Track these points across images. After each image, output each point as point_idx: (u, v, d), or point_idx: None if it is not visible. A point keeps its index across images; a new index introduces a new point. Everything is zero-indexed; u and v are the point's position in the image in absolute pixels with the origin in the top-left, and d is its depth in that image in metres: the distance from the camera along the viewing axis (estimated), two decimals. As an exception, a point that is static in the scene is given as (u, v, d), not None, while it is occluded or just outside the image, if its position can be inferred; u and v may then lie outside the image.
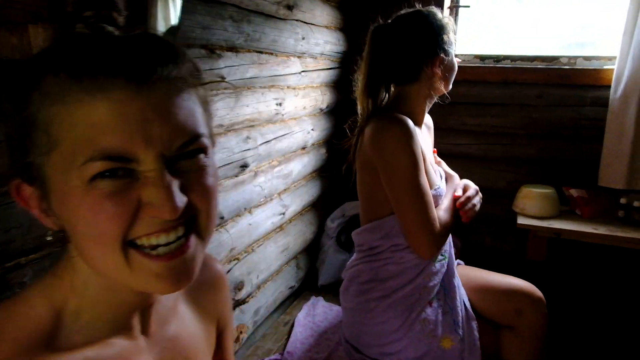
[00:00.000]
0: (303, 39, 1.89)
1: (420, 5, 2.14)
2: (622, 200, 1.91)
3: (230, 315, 0.74)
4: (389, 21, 1.41)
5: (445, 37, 1.39)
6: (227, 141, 1.51)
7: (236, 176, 1.60)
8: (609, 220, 1.91)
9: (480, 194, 1.48)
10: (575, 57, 2.17)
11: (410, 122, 1.29)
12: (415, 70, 1.37)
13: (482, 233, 2.40)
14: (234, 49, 1.47)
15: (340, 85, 2.39)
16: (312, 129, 2.12)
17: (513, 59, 2.27)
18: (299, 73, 1.92)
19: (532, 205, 1.96)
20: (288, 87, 1.88)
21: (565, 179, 2.18)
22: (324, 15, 2.09)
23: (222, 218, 1.52)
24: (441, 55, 1.38)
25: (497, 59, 2.29)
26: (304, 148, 2.10)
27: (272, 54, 1.71)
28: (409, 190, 1.27)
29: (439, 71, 1.39)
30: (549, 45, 2.30)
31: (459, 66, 2.28)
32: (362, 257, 1.47)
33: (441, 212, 1.36)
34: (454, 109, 2.30)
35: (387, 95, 1.45)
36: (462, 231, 2.36)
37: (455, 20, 2.33)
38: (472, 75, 2.25)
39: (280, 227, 1.95)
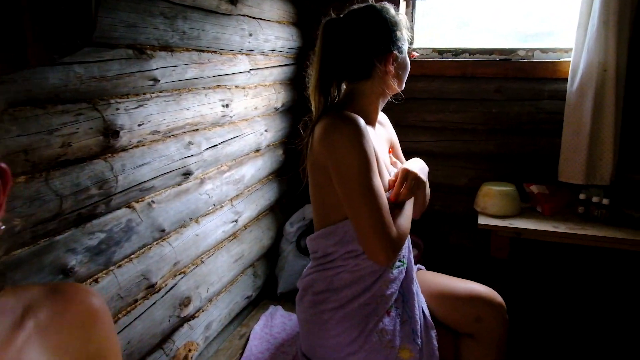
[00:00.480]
0: (250, 35, 1.78)
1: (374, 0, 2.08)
2: (581, 196, 1.89)
3: (112, 352, 0.66)
4: (341, 15, 1.32)
5: (398, 33, 1.31)
6: (166, 148, 1.39)
7: (179, 185, 1.49)
8: (569, 217, 1.88)
9: (418, 180, 1.35)
10: (533, 50, 2.14)
11: (361, 121, 1.21)
12: (367, 67, 1.30)
13: (445, 232, 2.36)
14: (168, 48, 1.35)
15: (297, 83, 2.29)
16: (266, 130, 2.02)
17: (471, 52, 2.22)
18: (248, 72, 1.82)
19: (492, 204, 1.91)
20: (236, 86, 1.77)
21: (526, 174, 2.15)
22: (274, 9, 1.98)
23: (162, 231, 1.40)
24: (394, 52, 1.30)
25: (456, 52, 2.24)
26: (257, 150, 1.99)
27: (215, 52, 1.60)
28: (362, 193, 1.19)
29: (392, 69, 1.31)
30: (509, 38, 2.26)
31: (417, 60, 2.25)
32: (316, 265, 1.39)
33: (398, 216, 1.29)
34: (414, 105, 2.24)
35: (338, 93, 1.36)
36: (424, 231, 2.31)
37: (412, 13, 2.27)
38: (430, 69, 2.19)
39: (234, 235, 1.85)
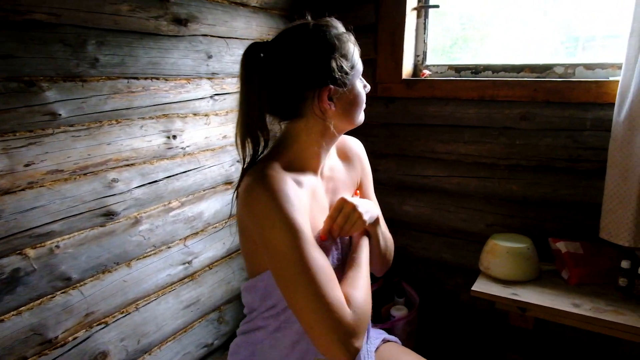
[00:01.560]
0: (210, 57, 1.59)
1: (374, 11, 1.77)
2: (624, 264, 1.41)
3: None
4: (271, 39, 1.05)
5: (338, 61, 0.97)
6: (75, 188, 1.25)
7: (101, 226, 1.34)
8: (603, 291, 1.42)
9: (357, 213, 1.03)
10: (575, 65, 1.67)
11: (282, 179, 0.93)
12: (295, 104, 1.00)
13: (454, 286, 1.96)
14: (75, 78, 1.21)
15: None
16: (239, 160, 1.81)
17: (495, 69, 1.80)
18: (210, 97, 1.63)
19: (497, 264, 1.51)
20: (194, 114, 1.59)
21: (557, 226, 1.68)
22: (253, 27, 1.78)
23: (68, 279, 1.26)
24: (331, 86, 0.97)
25: (476, 69, 1.84)
26: (228, 183, 1.79)
27: (156, 78, 1.43)
28: (296, 273, 0.89)
29: (331, 106, 0.99)
30: (543, 51, 1.80)
31: (426, 80, 1.88)
32: (242, 325, 1.15)
33: (350, 286, 0.98)
34: (422, 132, 1.89)
35: (265, 137, 1.07)
36: (425, 283, 1.94)
37: (425, 23, 1.91)
38: (442, 90, 1.82)
39: (190, 278, 1.66)
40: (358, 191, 1.23)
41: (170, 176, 1.53)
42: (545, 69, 1.71)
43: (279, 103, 1.01)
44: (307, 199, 0.99)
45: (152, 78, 1.42)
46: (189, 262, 1.64)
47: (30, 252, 1.18)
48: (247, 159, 1.03)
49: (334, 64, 0.95)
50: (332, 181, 1.14)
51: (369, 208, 1.08)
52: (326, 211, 1.08)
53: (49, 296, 1.23)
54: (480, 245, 1.78)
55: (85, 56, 1.21)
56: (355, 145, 1.25)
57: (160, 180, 1.50)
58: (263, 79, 0.98)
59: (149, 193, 1.47)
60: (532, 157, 1.70)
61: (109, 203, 1.34)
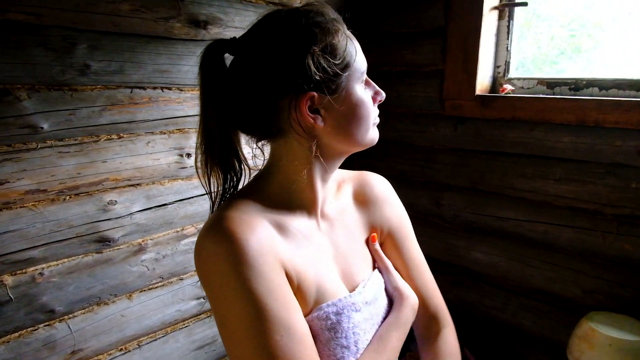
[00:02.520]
0: (237, 65, 1.38)
1: (443, 12, 1.48)
2: None
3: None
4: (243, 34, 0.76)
5: (317, 58, 0.67)
6: (61, 210, 1.12)
7: (97, 253, 1.19)
8: None
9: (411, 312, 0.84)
10: None
11: (248, 225, 0.66)
12: (266, 119, 0.72)
13: (534, 364, 1.51)
14: (62, 86, 1.07)
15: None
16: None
17: (604, 85, 1.34)
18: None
19: (592, 358, 1.07)
20: (218, 130, 1.40)
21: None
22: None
23: (51, 312, 1.13)
24: (312, 93, 0.69)
25: (577, 85, 1.39)
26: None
27: (169, 88, 1.26)
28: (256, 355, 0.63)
29: (317, 120, 0.70)
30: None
31: (508, 97, 1.46)
32: None
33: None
34: (498, 162, 1.50)
35: (238, 163, 0.82)
36: (484, 349, 1.52)
37: (509, 26, 1.51)
38: (527, 111, 1.41)
39: (207, 314, 1.47)
40: (374, 235, 0.90)
41: (183, 199, 1.35)
42: (683, 84, 1.22)
43: (247, 117, 0.73)
44: (291, 248, 0.71)
45: (162, 88, 1.25)
46: (204, 298, 1.44)
47: (8, 280, 1.06)
48: (216, 194, 0.78)
49: (310, 62, 0.66)
50: (341, 226, 0.84)
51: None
52: (328, 261, 0.79)
53: (29, 329, 1.11)
54: (573, 316, 1.34)
55: (73, 62, 1.07)
56: (378, 186, 0.92)
57: (170, 203, 1.32)
58: (227, 86, 0.72)
59: (155, 218, 1.29)
60: (654, 207, 1.22)
61: (102, 228, 1.19)
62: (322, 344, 0.70)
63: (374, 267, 0.88)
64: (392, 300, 0.84)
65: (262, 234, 0.66)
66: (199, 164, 0.75)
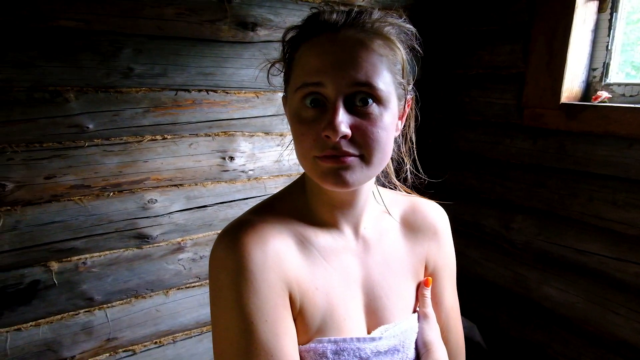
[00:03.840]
0: (286, 67, 1.34)
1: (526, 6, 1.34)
2: None
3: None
4: None
5: (287, 48, 0.64)
6: (103, 205, 1.18)
7: (138, 248, 1.24)
8: None
9: None
10: None
11: (263, 237, 0.62)
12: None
13: None
14: (109, 89, 1.12)
15: (419, 129, 1.64)
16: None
17: None
18: (279, 115, 1.38)
19: None
20: (266, 133, 1.37)
21: None
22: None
23: (90, 299, 1.20)
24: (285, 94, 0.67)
25: (698, 94, 1.10)
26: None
27: (215, 91, 1.26)
28: None
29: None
30: None
31: (597, 106, 1.17)
32: None
33: None
34: (584, 184, 1.28)
35: None
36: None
37: (611, 21, 1.25)
38: (625, 125, 1.15)
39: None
40: (427, 280, 0.78)
41: (223, 202, 1.35)
42: None
43: None
44: (304, 266, 0.64)
45: (206, 90, 1.25)
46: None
47: (55, 266, 1.15)
48: None
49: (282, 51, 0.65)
50: (380, 251, 0.72)
51: None
52: (352, 287, 0.69)
53: (70, 313, 1.19)
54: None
55: (117, 65, 1.11)
56: (433, 215, 0.79)
57: (210, 205, 1.33)
58: None
59: (194, 219, 1.31)
60: None
61: (141, 225, 1.23)
62: None
63: (413, 311, 0.75)
64: (419, 355, 0.71)
65: (272, 248, 0.61)
66: None
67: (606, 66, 1.28)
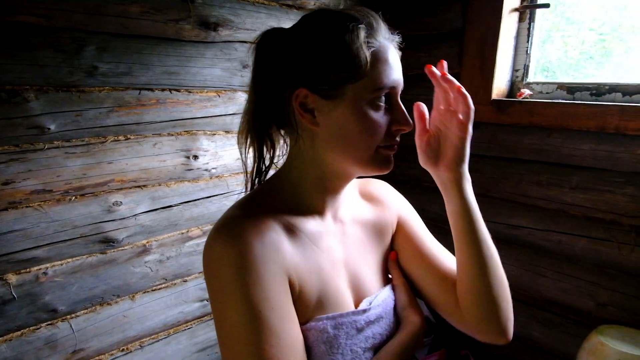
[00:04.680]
0: (246, 67, 1.37)
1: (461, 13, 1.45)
2: None
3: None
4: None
5: (317, 55, 0.67)
6: (65, 211, 1.12)
7: (102, 253, 1.19)
8: None
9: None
10: None
11: (257, 229, 0.65)
12: (276, 107, 0.72)
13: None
14: (70, 88, 1.07)
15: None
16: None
17: (628, 91, 1.29)
18: (238, 114, 1.40)
19: (602, 375, 1.03)
20: (227, 132, 1.39)
21: None
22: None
23: (54, 311, 1.13)
24: (303, 89, 0.68)
25: (598, 91, 1.34)
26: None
27: (177, 90, 1.25)
28: None
29: (308, 119, 0.69)
30: None
31: (525, 102, 1.41)
32: None
33: None
34: (513, 169, 1.46)
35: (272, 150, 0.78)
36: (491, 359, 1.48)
37: (530, 28, 1.46)
38: (546, 117, 1.36)
39: (211, 316, 1.46)
40: (395, 252, 0.88)
41: (188, 201, 1.34)
42: None
43: (265, 103, 0.73)
44: (297, 253, 0.70)
45: (170, 89, 1.24)
46: (207, 300, 1.44)
47: (12, 278, 1.07)
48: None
49: (308, 60, 0.67)
50: (354, 231, 0.81)
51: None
52: (338, 267, 0.76)
53: (31, 328, 1.11)
54: (585, 329, 1.29)
55: (81, 64, 1.06)
56: (378, 187, 0.91)
57: (175, 205, 1.32)
58: (258, 72, 0.73)
59: (159, 219, 1.29)
60: (676, 220, 1.17)
61: (107, 229, 1.19)
62: (317, 356, 0.68)
63: (387, 282, 0.85)
64: (400, 320, 0.81)
65: (268, 239, 0.66)
66: (240, 136, 0.75)
67: (526, 68, 1.49)
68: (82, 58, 1.06)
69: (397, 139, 0.72)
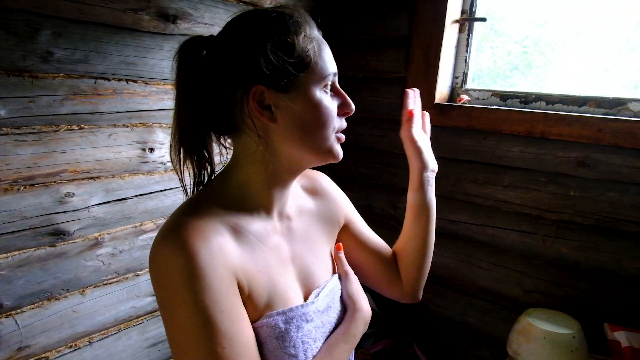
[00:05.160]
0: (204, 61, 1.38)
1: (408, 22, 1.53)
2: None
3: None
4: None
5: (269, 52, 0.68)
6: (14, 201, 1.07)
7: (51, 246, 1.15)
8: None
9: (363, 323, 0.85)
10: (658, 104, 1.30)
11: (204, 233, 0.66)
12: (223, 111, 0.73)
13: (482, 359, 1.60)
14: (23, 73, 1.03)
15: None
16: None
17: (551, 100, 1.46)
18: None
19: (530, 352, 1.16)
20: (182, 125, 1.38)
21: (615, 306, 1.31)
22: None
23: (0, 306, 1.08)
24: (260, 86, 0.69)
25: (527, 99, 1.50)
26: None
27: (134, 81, 1.24)
28: None
29: (267, 116, 0.70)
30: (616, 84, 1.44)
31: (464, 107, 1.55)
32: None
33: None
34: (453, 168, 1.58)
35: (208, 157, 0.82)
36: (432, 345, 1.60)
37: (469, 39, 1.60)
38: (481, 121, 1.50)
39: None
40: (340, 243, 0.94)
41: (143, 194, 1.33)
42: (617, 104, 1.35)
43: (208, 109, 0.73)
44: (245, 253, 0.71)
45: (127, 80, 1.22)
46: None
47: (-48, 272, 1.01)
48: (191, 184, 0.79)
49: (261, 57, 0.68)
50: (301, 224, 0.85)
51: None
52: (285, 263, 0.79)
53: (-28, 324, 1.05)
54: (514, 313, 1.43)
55: (36, 48, 1.03)
56: (322, 180, 0.96)
57: (130, 198, 1.30)
58: (196, 79, 0.71)
59: (113, 212, 1.27)
60: (590, 214, 1.34)
61: (58, 220, 1.15)
62: (270, 351, 0.70)
63: (334, 272, 0.90)
64: (347, 308, 0.85)
65: (214, 244, 0.66)
66: (173, 155, 0.74)
67: (465, 75, 1.63)
68: (36, 42, 1.03)
69: (345, 124, 0.77)
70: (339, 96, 0.76)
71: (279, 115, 0.70)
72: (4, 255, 1.08)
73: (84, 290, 1.25)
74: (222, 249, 0.67)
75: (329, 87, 0.74)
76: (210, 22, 1.37)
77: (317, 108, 0.71)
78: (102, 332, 1.31)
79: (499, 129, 1.47)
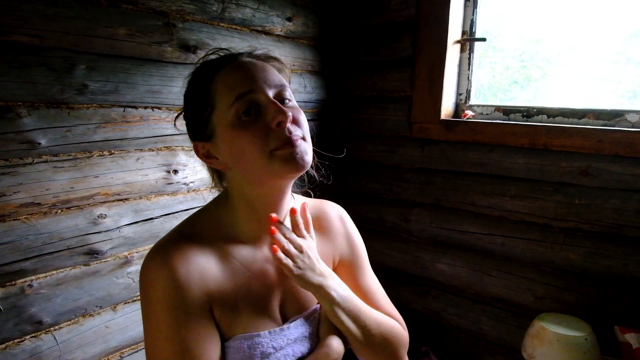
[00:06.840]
0: (223, 87, 1.47)
1: (411, 43, 1.59)
2: None
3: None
4: None
5: (189, 114, 0.82)
6: (53, 223, 1.15)
7: (84, 265, 1.23)
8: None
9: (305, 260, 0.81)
10: (654, 114, 1.37)
11: (187, 258, 0.73)
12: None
13: (494, 366, 1.64)
14: (60, 104, 1.12)
15: (320, 143, 1.89)
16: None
17: (551, 113, 1.53)
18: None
19: (544, 354, 1.21)
20: (203, 147, 1.47)
21: (625, 309, 1.35)
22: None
23: (39, 323, 1.15)
24: (196, 142, 0.79)
25: (528, 113, 1.57)
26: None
27: (159, 108, 1.33)
28: None
29: (215, 163, 0.79)
30: (614, 96, 1.51)
31: (469, 122, 1.62)
32: None
33: None
34: (461, 181, 1.65)
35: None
36: (448, 353, 1.64)
37: (470, 58, 1.69)
38: (487, 135, 1.57)
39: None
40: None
41: (168, 214, 1.41)
42: (615, 115, 1.42)
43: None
44: (224, 277, 0.76)
45: (152, 107, 1.31)
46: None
47: (-2, 291, 1.08)
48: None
49: (186, 113, 0.83)
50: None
51: (332, 282, 0.81)
52: (271, 290, 0.81)
53: (15, 340, 1.12)
54: (526, 320, 1.48)
55: (72, 82, 1.12)
56: (333, 215, 0.95)
57: (156, 217, 1.37)
58: None
59: (142, 232, 1.34)
60: (596, 221, 1.40)
61: (92, 241, 1.23)
62: None
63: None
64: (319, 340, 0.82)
65: (194, 265, 0.72)
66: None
67: (468, 92, 1.71)
68: (73, 77, 1.12)
69: (289, 133, 0.70)
70: (266, 110, 0.71)
71: (221, 158, 0.76)
72: (44, 274, 1.16)
73: (115, 307, 1.32)
74: (201, 271, 0.73)
75: (246, 111, 0.71)
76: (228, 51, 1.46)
77: (236, 138, 0.71)
78: (133, 347, 1.37)
79: (503, 142, 1.54)
